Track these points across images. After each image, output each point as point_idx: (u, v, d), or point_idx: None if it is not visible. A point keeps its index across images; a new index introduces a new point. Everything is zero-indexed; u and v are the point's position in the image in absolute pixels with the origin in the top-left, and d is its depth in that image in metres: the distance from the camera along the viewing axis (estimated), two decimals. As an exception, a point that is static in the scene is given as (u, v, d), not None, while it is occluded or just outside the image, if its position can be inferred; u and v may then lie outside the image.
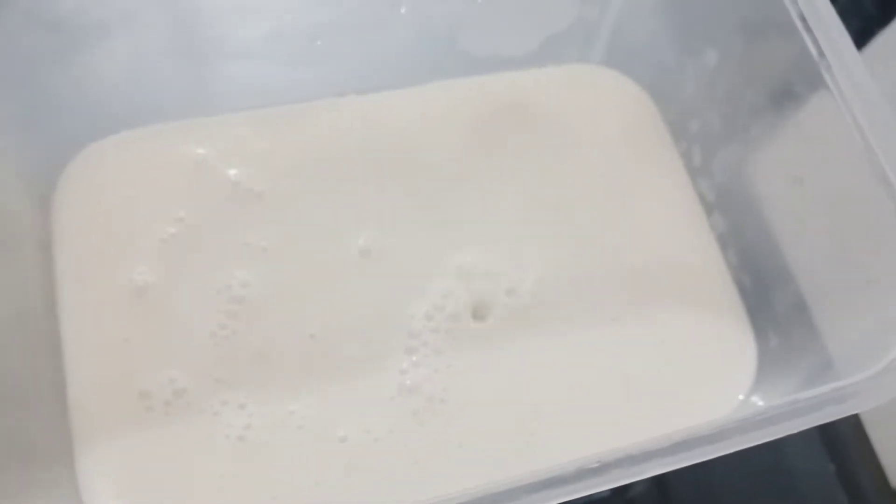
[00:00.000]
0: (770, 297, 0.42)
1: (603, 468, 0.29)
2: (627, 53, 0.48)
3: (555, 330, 0.41)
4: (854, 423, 0.45)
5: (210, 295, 0.41)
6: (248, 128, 0.45)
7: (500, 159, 0.46)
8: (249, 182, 0.43)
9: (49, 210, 0.42)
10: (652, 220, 0.45)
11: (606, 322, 0.42)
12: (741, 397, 0.40)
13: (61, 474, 0.36)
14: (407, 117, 0.46)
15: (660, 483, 0.43)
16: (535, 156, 0.46)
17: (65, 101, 0.42)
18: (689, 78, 0.46)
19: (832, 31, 0.37)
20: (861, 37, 0.53)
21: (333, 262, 0.42)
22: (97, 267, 0.41)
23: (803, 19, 0.38)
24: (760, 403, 0.40)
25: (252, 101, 0.45)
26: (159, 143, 0.44)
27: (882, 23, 0.54)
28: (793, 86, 0.39)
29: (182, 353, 0.39)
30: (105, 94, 0.43)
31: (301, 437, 0.38)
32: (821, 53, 0.37)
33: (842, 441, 0.45)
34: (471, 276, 0.43)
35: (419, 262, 0.42)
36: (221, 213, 0.42)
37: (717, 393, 0.41)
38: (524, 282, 0.42)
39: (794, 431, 0.31)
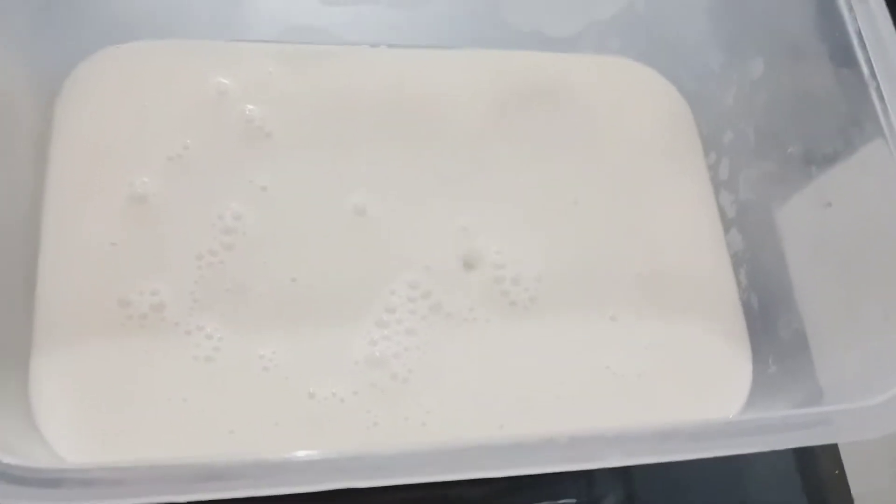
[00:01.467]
0: (775, 323, 0.41)
1: (571, 443, 0.28)
2: (670, 53, 0.47)
3: (548, 324, 0.40)
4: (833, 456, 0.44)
5: (204, 219, 0.40)
6: (275, 63, 0.44)
7: (521, 141, 0.45)
8: (262, 121, 0.42)
9: (52, 107, 0.40)
10: (668, 228, 0.44)
11: (604, 321, 0.41)
12: (732, 414, 0.39)
13: (11, 374, 0.35)
14: (435, 79, 0.45)
15: (630, 496, 0.41)
16: (558, 144, 0.45)
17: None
18: (731, 87, 0.44)
19: (889, 52, 0.36)
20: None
21: (326, 214, 0.41)
22: (94, 169, 0.40)
23: (860, 36, 0.36)
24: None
25: (283, 35, 0.44)
26: (181, 60, 0.43)
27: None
28: (838, 106, 0.38)
29: (167, 268, 0.38)
30: (130, -2, 0.42)
31: (265, 380, 0.37)
32: (872, 74, 0.36)
33: (818, 477, 0.43)
34: (466, 260, 0.41)
35: (412, 234, 0.41)
36: (230, 145, 0.41)
37: (707, 409, 0.39)
38: (524, 273, 0.41)
39: (780, 447, 0.30)
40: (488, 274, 0.41)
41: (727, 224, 0.44)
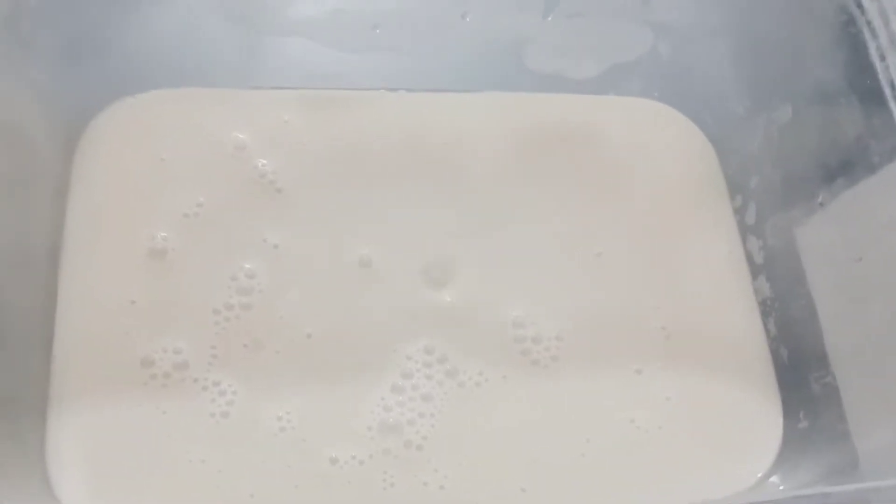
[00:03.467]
0: (806, 376, 0.39)
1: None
2: (695, 97, 0.46)
3: (570, 382, 0.39)
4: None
5: (219, 276, 0.39)
6: (292, 110, 0.43)
7: (541, 187, 0.44)
8: (275, 175, 0.42)
9: (72, 156, 0.40)
10: (694, 276, 0.42)
11: (629, 374, 0.40)
12: (759, 475, 0.38)
13: (27, 435, 0.34)
14: (454, 123, 0.44)
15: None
16: (580, 189, 0.44)
17: (109, 46, 0.40)
18: (758, 131, 0.43)
19: (924, 103, 0.35)
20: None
21: (335, 268, 0.40)
22: (112, 223, 0.39)
23: (893, 86, 0.35)
24: (780, 486, 0.37)
25: (301, 82, 0.44)
26: (197, 109, 0.43)
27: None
28: (870, 155, 0.37)
29: (186, 325, 0.38)
30: (150, 46, 0.41)
31: (282, 441, 0.36)
32: (905, 125, 0.35)
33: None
34: (484, 319, 0.40)
35: (422, 290, 0.40)
36: (243, 202, 0.41)
37: (735, 467, 0.38)
38: (544, 332, 0.40)
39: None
40: (508, 334, 0.40)
41: (755, 271, 0.43)
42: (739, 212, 0.44)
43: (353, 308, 0.39)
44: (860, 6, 0.36)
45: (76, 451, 0.35)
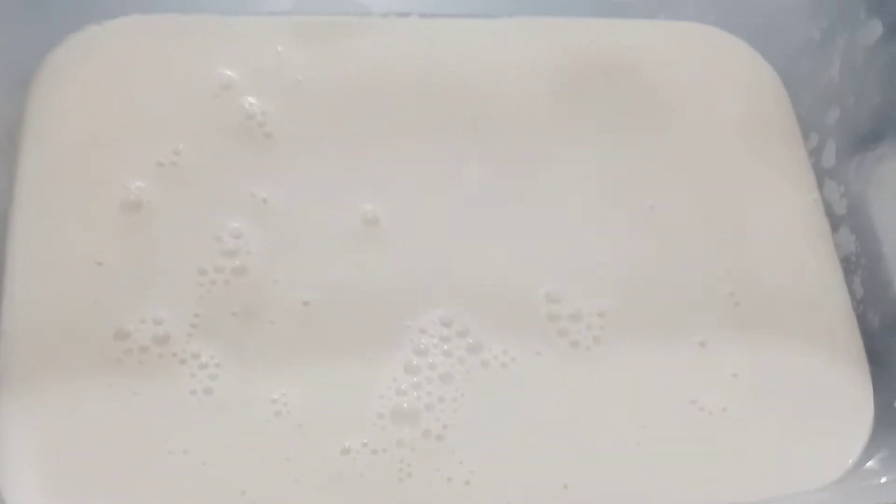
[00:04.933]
0: None
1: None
2: (759, 19, 0.42)
3: (617, 360, 0.35)
4: None
5: (201, 236, 0.35)
6: (285, 40, 0.39)
7: (580, 130, 0.40)
8: (265, 117, 0.38)
9: (25, 96, 0.37)
10: (762, 231, 0.39)
11: (691, 348, 0.35)
12: (851, 462, 0.34)
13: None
14: (476, 55, 0.40)
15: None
16: (628, 133, 0.40)
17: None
18: (835, 56, 0.39)
19: None
20: None
21: (338, 226, 0.36)
22: (74, 172, 0.36)
23: None
24: (878, 477, 0.33)
25: (295, 6, 0.40)
26: (175, 40, 0.39)
27: None
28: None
29: (165, 290, 0.34)
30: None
31: (278, 427, 0.32)
32: None
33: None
34: (512, 283, 0.35)
35: (438, 253, 0.36)
36: (227, 149, 0.37)
37: (822, 453, 0.34)
38: (586, 307, 0.35)
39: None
40: (541, 310, 0.35)
41: (835, 222, 0.39)
42: (815, 153, 0.41)
43: (357, 273, 0.35)
44: None
45: (27, 444, 0.31)
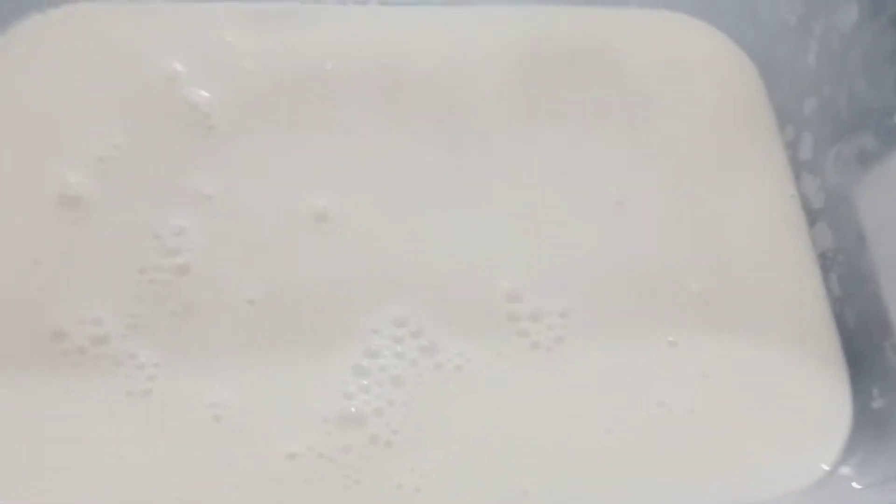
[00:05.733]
0: (879, 343, 0.34)
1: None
2: (733, 4, 0.41)
3: (580, 361, 0.33)
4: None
5: (141, 233, 0.34)
6: (234, 28, 0.38)
7: (546, 121, 0.38)
8: (210, 108, 0.36)
9: None
10: (736, 227, 0.37)
11: (659, 348, 0.34)
12: (826, 468, 0.32)
13: None
14: (438, 43, 0.39)
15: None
16: (595, 123, 0.38)
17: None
18: (813, 42, 0.37)
19: None
20: None
21: (285, 222, 0.34)
22: (9, 164, 0.34)
23: None
24: (853, 483, 0.31)
25: None
26: (120, 25, 0.38)
27: None
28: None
29: (104, 289, 0.32)
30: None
31: (218, 432, 0.30)
32: None
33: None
34: (470, 281, 0.34)
35: (392, 250, 0.34)
36: (170, 143, 0.36)
37: (794, 457, 0.32)
38: (549, 299, 0.34)
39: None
40: (499, 309, 0.33)
41: (812, 217, 0.38)
42: (792, 145, 0.39)
43: (306, 270, 0.33)
44: None
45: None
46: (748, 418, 0.33)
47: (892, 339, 0.33)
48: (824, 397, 0.34)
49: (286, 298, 0.33)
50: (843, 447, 0.33)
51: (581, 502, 0.30)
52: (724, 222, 0.37)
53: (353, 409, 0.31)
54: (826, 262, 0.36)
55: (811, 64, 0.37)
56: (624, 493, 0.31)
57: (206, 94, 0.37)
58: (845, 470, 0.32)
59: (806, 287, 0.36)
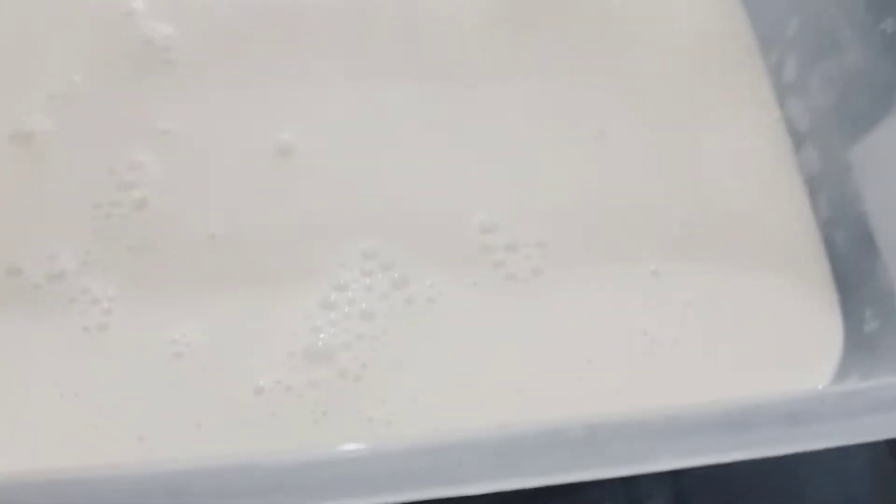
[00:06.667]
0: (870, 265, 0.32)
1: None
2: None
3: (559, 292, 0.32)
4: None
5: (97, 169, 0.32)
6: None
7: (522, 49, 0.37)
8: (167, 41, 0.35)
9: None
10: (719, 151, 0.36)
11: (641, 278, 0.32)
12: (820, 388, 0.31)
13: None
14: None
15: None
16: (571, 51, 0.37)
17: None
18: None
19: None
20: None
21: (249, 157, 0.33)
22: None
23: None
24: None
25: None
26: None
27: None
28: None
29: (59, 225, 0.31)
30: None
31: (178, 369, 0.29)
32: None
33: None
34: (444, 218, 0.33)
35: (361, 182, 0.33)
36: (125, 77, 0.34)
37: (785, 384, 0.31)
38: (525, 229, 0.33)
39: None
40: (473, 240, 0.32)
41: (798, 139, 0.36)
42: (776, 68, 0.37)
43: (270, 204, 0.32)
44: None
45: None
46: (735, 346, 0.31)
47: (882, 261, 0.31)
48: (815, 322, 0.33)
49: (249, 233, 0.31)
50: (835, 372, 0.31)
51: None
52: (707, 150, 0.35)
53: (320, 343, 0.29)
54: (814, 184, 0.35)
55: (793, -19, 0.36)
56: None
57: (164, 29, 0.35)
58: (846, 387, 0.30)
59: (793, 211, 0.35)
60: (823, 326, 0.32)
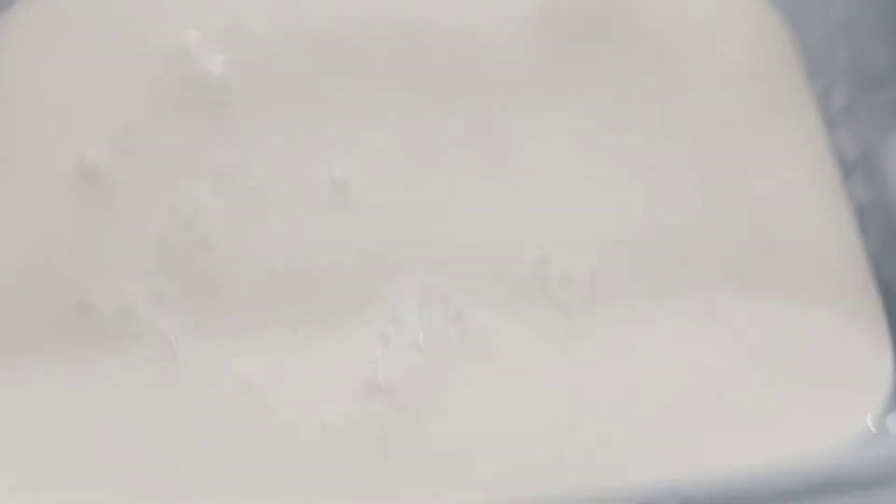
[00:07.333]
0: None
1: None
2: None
3: (613, 327, 0.32)
4: None
5: (159, 207, 0.33)
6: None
7: (570, 80, 0.37)
8: (222, 77, 0.36)
9: None
10: (767, 183, 0.36)
11: (693, 311, 0.33)
12: (870, 424, 0.31)
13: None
14: (457, 4, 0.38)
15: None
16: (620, 80, 0.37)
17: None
18: None
19: None
20: None
21: (298, 192, 0.34)
22: (22, 142, 0.34)
23: None
24: None
25: None
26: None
27: None
28: None
29: (125, 263, 0.32)
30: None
31: (244, 402, 0.30)
32: None
33: None
34: (496, 248, 0.33)
35: (414, 217, 0.33)
36: (182, 116, 0.35)
37: (837, 415, 0.31)
38: (578, 264, 0.33)
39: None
40: (528, 274, 0.33)
41: (847, 169, 0.36)
42: (824, 96, 0.38)
43: (326, 240, 0.33)
44: None
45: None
46: (789, 379, 0.31)
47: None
48: (866, 354, 0.32)
49: (306, 270, 0.32)
50: (887, 403, 0.32)
51: (617, 468, 0.29)
52: (756, 182, 0.36)
53: (379, 379, 0.30)
54: (864, 216, 0.35)
55: (841, 8, 0.36)
56: (665, 462, 0.30)
57: (218, 64, 0.36)
58: (891, 424, 0.31)
59: (843, 242, 0.35)
60: (875, 358, 0.32)
